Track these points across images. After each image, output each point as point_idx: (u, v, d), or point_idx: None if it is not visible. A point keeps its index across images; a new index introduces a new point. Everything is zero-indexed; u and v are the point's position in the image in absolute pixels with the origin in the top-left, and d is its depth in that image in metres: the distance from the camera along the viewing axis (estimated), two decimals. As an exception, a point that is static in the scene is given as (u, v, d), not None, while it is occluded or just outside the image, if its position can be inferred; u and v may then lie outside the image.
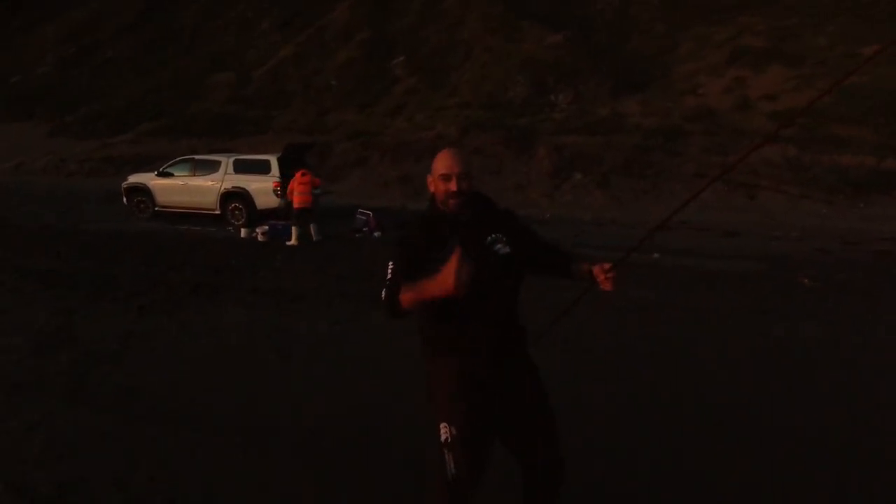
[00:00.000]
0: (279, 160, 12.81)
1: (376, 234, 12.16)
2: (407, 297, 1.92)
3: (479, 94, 25.80)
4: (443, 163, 2.07)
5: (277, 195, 12.56)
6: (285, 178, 12.59)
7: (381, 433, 3.21)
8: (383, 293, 1.98)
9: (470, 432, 1.91)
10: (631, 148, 20.12)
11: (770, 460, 2.92)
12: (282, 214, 12.27)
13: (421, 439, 3.07)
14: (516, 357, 2.06)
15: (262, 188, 12.63)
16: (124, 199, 14.01)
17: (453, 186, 2.02)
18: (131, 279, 7.01)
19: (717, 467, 2.87)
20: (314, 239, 11.08)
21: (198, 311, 5.73)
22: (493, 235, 2.05)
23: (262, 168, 12.81)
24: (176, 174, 13.54)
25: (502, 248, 2.03)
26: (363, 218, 12.64)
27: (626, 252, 2.01)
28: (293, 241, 10.30)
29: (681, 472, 2.82)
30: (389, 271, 2.00)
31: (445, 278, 1.81)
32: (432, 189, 2.13)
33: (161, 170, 13.77)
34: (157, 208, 13.61)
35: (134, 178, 14.10)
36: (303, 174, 10.92)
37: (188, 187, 13.33)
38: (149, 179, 13.74)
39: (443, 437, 1.93)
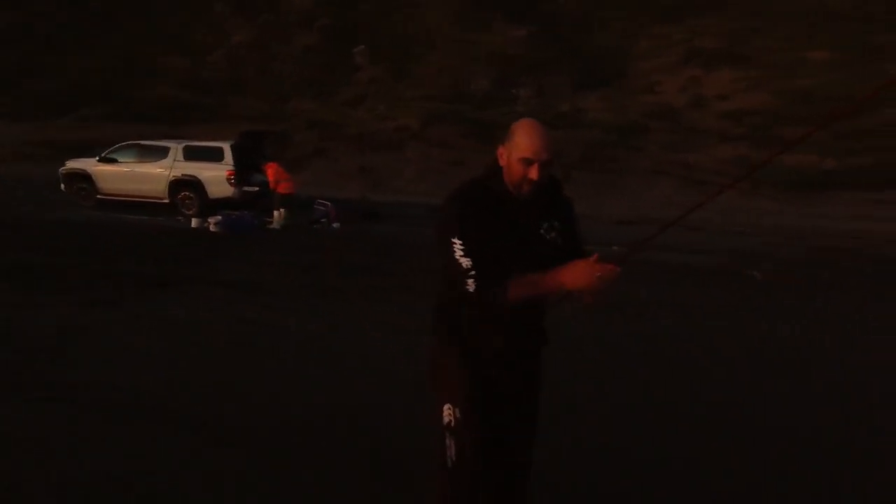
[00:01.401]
0: (235, 148, 12.29)
1: (335, 225, 11.86)
2: (519, 291, 1.64)
3: (443, 86, 25.62)
4: (529, 143, 1.68)
5: (232, 184, 12.06)
6: (241, 166, 12.11)
7: (343, 425, 3.04)
8: (473, 285, 1.65)
9: (476, 417, 1.73)
10: (591, 143, 20.41)
11: (763, 458, 2.91)
12: (237, 204, 11.80)
13: (394, 435, 2.94)
14: (533, 357, 1.88)
15: (215, 177, 12.09)
16: (62, 186, 13.15)
17: (534, 174, 1.69)
18: (79, 271, 6.53)
19: (711, 466, 2.83)
20: (276, 225, 10.96)
21: (153, 305, 5.37)
22: (549, 223, 1.79)
23: (215, 156, 12.26)
24: (120, 160, 12.79)
25: (557, 238, 1.79)
26: (322, 209, 12.30)
27: (636, 245, 1.83)
28: (276, 225, 11.13)
29: (674, 471, 2.77)
30: (465, 257, 1.65)
31: (582, 276, 1.58)
32: (503, 162, 1.74)
33: (103, 155, 12.97)
34: (99, 196, 12.84)
35: (73, 164, 13.23)
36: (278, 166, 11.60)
37: (134, 174, 12.62)
38: (90, 165, 12.92)
39: (445, 420, 1.75)
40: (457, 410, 1.74)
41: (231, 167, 12.05)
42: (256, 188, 12.27)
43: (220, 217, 10.69)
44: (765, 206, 16.81)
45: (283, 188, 11.42)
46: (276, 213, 11.32)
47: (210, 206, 11.84)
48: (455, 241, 1.67)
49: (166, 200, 12.47)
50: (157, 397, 3.37)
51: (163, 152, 12.64)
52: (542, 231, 1.77)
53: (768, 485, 2.70)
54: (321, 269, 7.71)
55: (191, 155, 12.45)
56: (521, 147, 1.69)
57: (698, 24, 24.50)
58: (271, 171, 11.50)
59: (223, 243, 9.27)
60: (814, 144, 19.90)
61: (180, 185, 12.36)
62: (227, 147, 12.29)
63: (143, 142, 13.33)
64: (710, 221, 14.91)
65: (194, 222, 10.92)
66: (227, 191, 12.06)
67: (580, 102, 22.81)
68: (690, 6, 25.08)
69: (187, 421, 3.08)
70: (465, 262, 1.66)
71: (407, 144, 22.83)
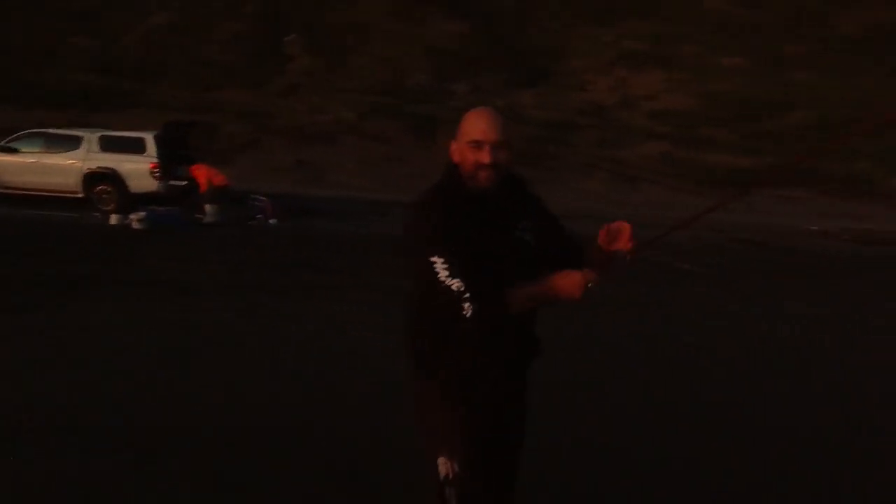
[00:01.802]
0: (158, 139, 11.45)
1: (272, 221, 11.37)
2: (517, 302, 1.48)
3: (379, 79, 25.22)
4: (475, 126, 1.55)
5: (156, 177, 11.24)
6: (165, 158, 11.31)
7: (270, 428, 2.87)
8: (470, 309, 1.45)
9: (478, 462, 1.53)
10: (527, 139, 20.83)
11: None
12: (162, 199, 11.03)
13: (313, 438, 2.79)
14: (522, 379, 1.69)
15: (137, 170, 11.21)
16: (-49, 178, 11.75)
17: (486, 157, 1.52)
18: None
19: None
20: (207, 220, 10.40)
21: (72, 311, 4.86)
22: (523, 223, 1.61)
23: (136, 147, 11.37)
24: (24, 150, 11.57)
25: (532, 240, 1.61)
26: (258, 204, 11.75)
27: (667, 230, 1.56)
28: (209, 219, 10.67)
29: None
30: (454, 278, 1.45)
31: (571, 286, 1.44)
32: (457, 159, 1.59)
33: (2, 144, 11.70)
34: (-1, 190, 11.59)
35: (-34, 154, 11.85)
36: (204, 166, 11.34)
37: (41, 166, 11.45)
38: (-13, 155, 11.63)
39: (442, 475, 1.53)
40: (454, 464, 1.52)
41: (155, 159, 11.22)
42: (184, 182, 11.52)
43: (143, 213, 9.94)
44: (688, 200, 17.82)
45: (218, 181, 11.04)
46: (207, 206, 10.78)
47: (132, 201, 10.98)
48: (436, 259, 1.46)
49: (80, 195, 11.44)
50: (83, 413, 3.03)
51: (74, 142, 11.57)
52: (518, 233, 1.59)
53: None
54: (260, 266, 7.34)
55: (108, 145, 11.47)
56: (468, 131, 1.57)
57: (627, 28, 25.60)
58: (201, 173, 11.04)
59: (149, 241, 8.62)
60: (729, 145, 21.34)
61: (96, 178, 11.37)
62: (149, 137, 11.43)
63: (49, 130, 12.14)
64: (639, 215, 15.64)
65: (114, 219, 10.09)
66: (150, 185, 11.23)
67: (516, 99, 23.20)
68: (620, 10, 26.13)
69: (118, 437, 2.79)
70: (456, 284, 1.45)
71: (343, 138, 22.31)
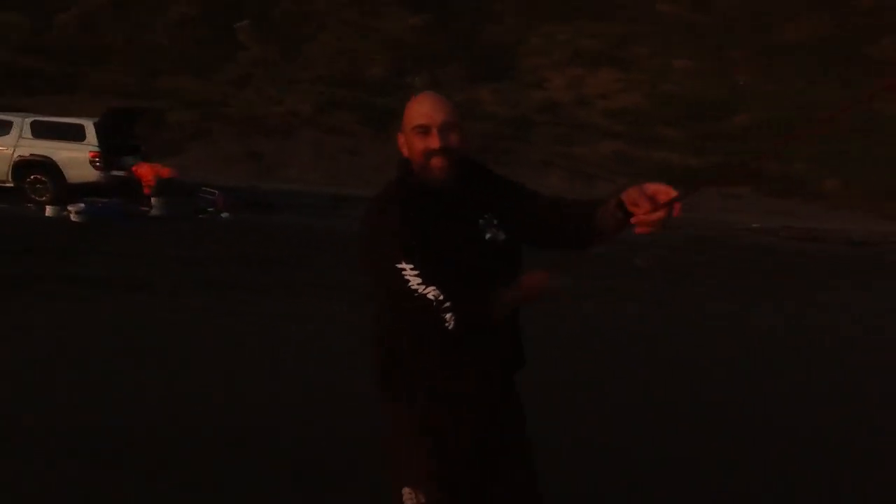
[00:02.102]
0: (99, 126, 10.78)
1: (224, 214, 10.93)
2: (499, 305, 1.32)
3: (336, 70, 24.69)
4: (418, 110, 1.39)
5: (97, 167, 10.59)
6: (107, 147, 10.66)
7: (256, 443, 2.74)
8: (452, 319, 1.28)
9: (446, 496, 1.35)
10: (486, 135, 20.91)
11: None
12: (103, 190, 10.40)
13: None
14: (513, 401, 1.48)
15: (75, 158, 10.52)
16: None
17: (435, 142, 1.36)
18: None
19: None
20: (153, 214, 10.01)
21: (6, 310, 4.49)
22: (485, 218, 1.42)
23: (74, 134, 10.66)
24: (-55, 135, 10.68)
25: (497, 234, 1.42)
26: (209, 197, 11.27)
27: (694, 186, 1.31)
28: (156, 212, 10.23)
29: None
30: (426, 285, 1.28)
31: (532, 289, 1.31)
32: (406, 152, 1.43)
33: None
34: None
35: None
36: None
37: (-35, 152, 10.61)
38: None
39: None
40: (420, 495, 1.35)
41: (95, 148, 10.56)
42: (127, 173, 10.90)
43: (82, 205, 9.34)
44: (640, 198, 18.35)
45: (165, 173, 10.63)
46: (153, 199, 10.27)
47: (69, 192, 10.30)
48: (403, 266, 1.28)
49: (10, 184, 10.65)
50: (27, 418, 2.79)
51: (3, 127, 10.75)
52: (483, 226, 1.41)
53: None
54: (213, 262, 7.03)
55: (42, 132, 10.71)
56: (411, 117, 1.39)
57: (583, 27, 26.09)
58: (144, 172, 10.58)
59: (89, 235, 8.11)
60: (678, 144, 22.13)
61: (28, 166, 10.60)
62: (89, 124, 10.74)
63: (-25, 114, 11.24)
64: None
65: (50, 210, 9.45)
66: (90, 175, 10.57)
67: (474, 94, 23.24)
68: (576, 9, 26.58)
69: (62, 448, 2.58)
70: (431, 292, 1.27)
71: (299, 130, 21.75)
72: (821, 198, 18.98)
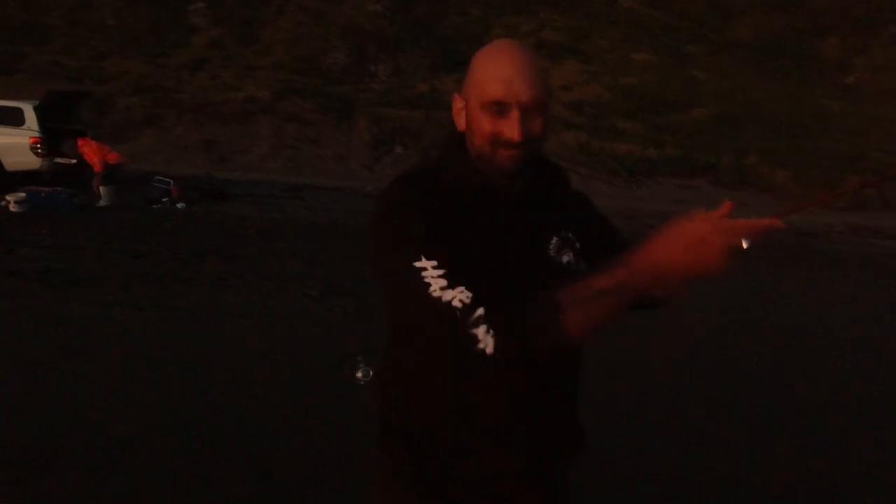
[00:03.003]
0: (40, 110, 10.20)
1: (180, 205, 10.56)
2: (576, 315, 0.78)
3: (295, 57, 24.08)
4: (495, 74, 0.91)
5: (39, 154, 10.03)
6: (50, 132, 10.11)
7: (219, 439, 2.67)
8: (487, 336, 0.78)
9: None
10: (450, 124, 20.88)
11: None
12: (45, 179, 9.87)
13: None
14: (560, 478, 0.98)
15: (13, 144, 9.94)
16: None
17: (513, 131, 0.89)
18: None
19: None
20: (102, 204, 9.59)
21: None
22: (561, 237, 0.96)
23: (13, 118, 10.07)
24: None
25: (578, 262, 0.96)
26: (163, 186, 10.85)
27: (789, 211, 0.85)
28: (104, 202, 9.79)
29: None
30: (452, 288, 0.81)
31: (703, 254, 0.76)
32: (461, 123, 0.97)
33: None
34: None
35: None
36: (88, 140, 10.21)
37: None
38: None
39: None
40: None
41: (36, 133, 10.00)
42: (72, 160, 10.38)
43: (23, 194, 8.84)
44: (602, 189, 18.74)
45: (112, 158, 10.15)
46: (102, 188, 9.80)
47: (8, 180, 9.73)
48: (423, 264, 0.82)
49: (-58, 172, 9.99)
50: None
51: (-66, 111, 10.05)
52: (551, 251, 0.93)
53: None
54: (167, 254, 6.78)
55: (-25, 116, 10.08)
56: (483, 83, 0.90)
57: (546, 19, 26.25)
58: (90, 150, 10.00)
59: (30, 227, 7.68)
60: (637, 136, 22.63)
61: (-38, 153, 9.96)
62: (28, 108, 10.15)
63: None
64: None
65: (-14, 200, 8.91)
66: (31, 162, 10.01)
67: (438, 84, 23.11)
68: (539, 1, 26.72)
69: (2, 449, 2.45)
70: (459, 297, 0.79)
71: (256, 117, 21.15)
72: (772, 190, 19.81)
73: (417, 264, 0.83)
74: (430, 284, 0.81)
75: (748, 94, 22.65)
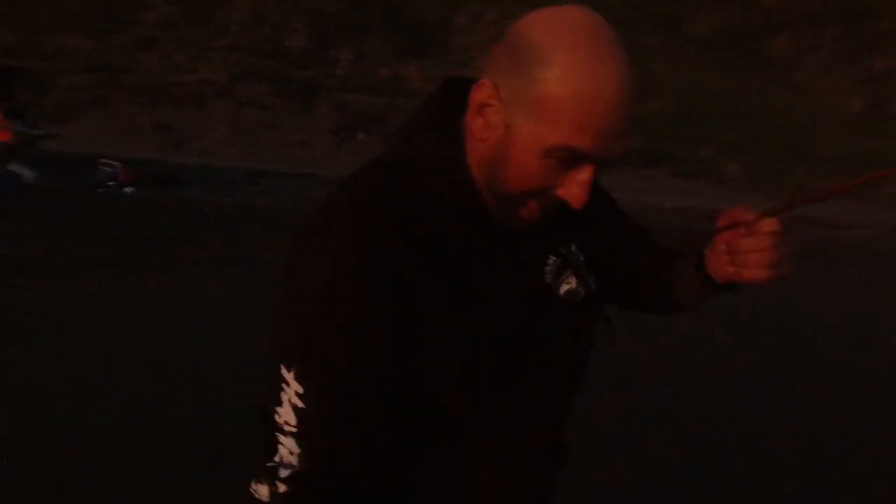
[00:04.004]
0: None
1: (128, 189, 10.04)
2: None
3: (253, 39, 23.24)
4: (595, 112, 0.55)
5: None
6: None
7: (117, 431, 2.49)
8: (285, 488, 0.58)
9: None
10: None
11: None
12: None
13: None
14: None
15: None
16: None
17: (581, 197, 0.59)
18: None
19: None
20: (26, 179, 9.04)
21: None
22: (560, 254, 0.67)
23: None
24: None
25: (576, 288, 0.67)
26: (109, 170, 10.28)
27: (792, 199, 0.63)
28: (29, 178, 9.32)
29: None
30: (311, 406, 0.58)
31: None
32: (484, 138, 0.59)
33: None
34: None
35: None
36: None
37: None
38: None
39: None
40: None
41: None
42: (6, 141, 9.70)
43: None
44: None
45: (4, 137, 9.77)
46: (12, 167, 9.35)
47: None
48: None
49: None
50: None
51: None
52: (547, 277, 0.67)
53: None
54: (110, 240, 6.39)
55: None
56: (566, 118, 0.55)
57: (509, 8, 26.23)
58: None
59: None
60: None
61: None
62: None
63: None
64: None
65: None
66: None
67: (401, 70, 22.78)
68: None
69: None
70: (294, 423, 0.59)
71: (212, 101, 20.35)
72: (724, 181, 20.49)
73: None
74: (284, 391, 0.58)
75: (704, 87, 23.31)
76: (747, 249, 0.63)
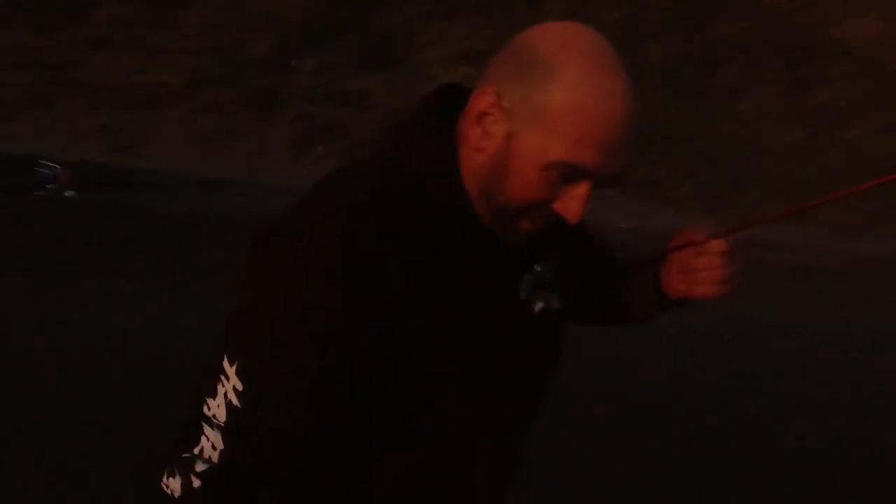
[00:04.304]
0: None
1: (68, 193, 9.48)
2: None
3: (212, 43, 22.67)
4: (604, 129, 0.56)
5: None
6: None
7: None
8: (199, 484, 0.56)
9: None
10: (375, 125, 20.50)
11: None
12: None
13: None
14: None
15: None
16: None
17: (577, 211, 0.59)
18: None
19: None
20: None
21: None
22: (535, 272, 0.67)
23: None
24: None
25: (550, 300, 0.69)
26: (48, 172, 9.71)
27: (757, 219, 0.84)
28: None
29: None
30: (246, 409, 0.56)
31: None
32: (482, 147, 0.58)
33: None
34: None
35: None
36: None
37: None
38: None
39: None
40: None
41: None
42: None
43: None
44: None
45: None
46: None
47: None
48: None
49: None
50: None
51: None
52: (522, 294, 0.68)
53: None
54: (45, 244, 5.96)
55: None
56: (569, 133, 0.56)
57: (473, 26, 26.66)
58: None
59: None
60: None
61: None
62: None
63: None
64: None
65: None
66: None
67: (364, 83, 22.68)
68: (467, 7, 27.09)
69: None
70: (211, 442, 0.57)
71: (167, 105, 19.65)
72: (677, 203, 21.27)
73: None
74: (222, 386, 0.56)
75: (658, 113, 24.27)
76: (698, 268, 0.69)
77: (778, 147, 24.42)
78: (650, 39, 27.94)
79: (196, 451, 0.56)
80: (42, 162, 9.99)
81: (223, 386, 0.56)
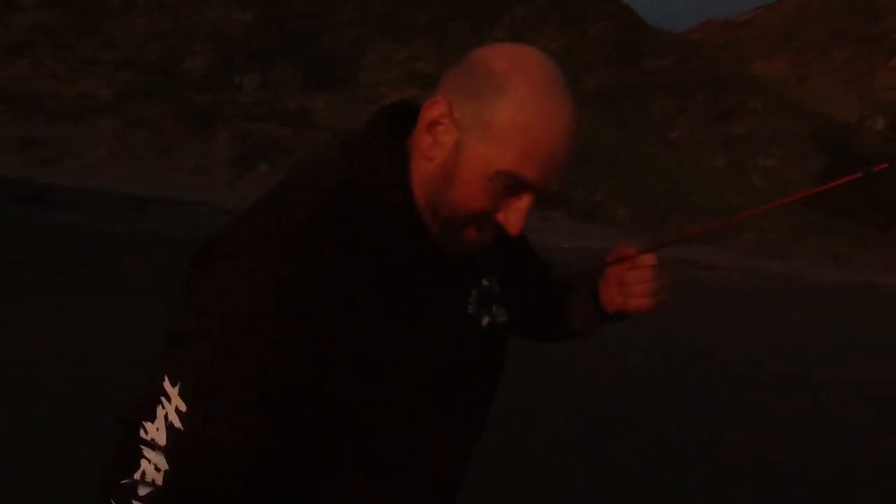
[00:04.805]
0: None
1: (-21, 209, 8.67)
2: None
3: (146, 56, 21.76)
4: (546, 144, 0.60)
5: None
6: None
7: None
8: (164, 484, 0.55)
9: None
10: (318, 144, 20.26)
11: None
12: None
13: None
14: None
15: None
16: None
17: (518, 224, 0.63)
18: None
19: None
20: None
21: None
22: (481, 288, 0.72)
23: None
24: None
25: (498, 313, 0.74)
26: (-45, 185, 8.85)
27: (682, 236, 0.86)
28: None
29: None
30: (204, 419, 0.55)
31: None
32: (431, 157, 0.62)
33: None
34: None
35: None
36: None
37: None
38: None
39: None
40: None
41: None
42: None
43: None
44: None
45: None
46: None
47: None
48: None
49: None
50: None
51: None
52: (470, 309, 0.70)
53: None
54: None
55: None
56: (515, 147, 0.60)
57: (419, 49, 27.05)
58: None
59: None
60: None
61: None
62: None
63: None
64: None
65: None
66: None
67: (308, 102, 22.42)
68: (413, 30, 27.49)
69: None
70: (154, 464, 0.56)
71: (93, 117, 18.59)
72: (615, 224, 22.18)
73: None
74: (154, 418, 0.56)
75: (595, 138, 25.40)
76: (631, 281, 0.74)
77: (705, 172, 26.10)
78: (587, 70, 29.35)
79: (136, 475, 0.55)
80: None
81: (163, 408, 0.56)
